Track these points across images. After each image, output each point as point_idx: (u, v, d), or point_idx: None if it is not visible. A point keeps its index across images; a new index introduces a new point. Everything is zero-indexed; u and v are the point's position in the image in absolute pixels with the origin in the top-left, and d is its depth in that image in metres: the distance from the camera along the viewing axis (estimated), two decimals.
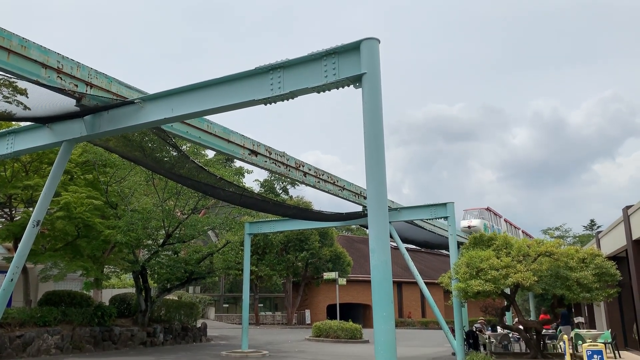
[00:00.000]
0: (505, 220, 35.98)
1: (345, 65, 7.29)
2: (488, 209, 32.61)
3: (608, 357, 12.09)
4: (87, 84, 8.58)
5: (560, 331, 21.77)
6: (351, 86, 7.39)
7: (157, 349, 22.15)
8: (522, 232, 38.52)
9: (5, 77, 8.05)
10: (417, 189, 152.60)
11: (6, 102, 8.68)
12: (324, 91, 7.60)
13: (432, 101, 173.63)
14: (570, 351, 13.89)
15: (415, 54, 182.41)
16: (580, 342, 17.35)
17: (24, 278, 21.42)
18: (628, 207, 17.03)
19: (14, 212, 20.58)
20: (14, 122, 15.07)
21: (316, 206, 49.87)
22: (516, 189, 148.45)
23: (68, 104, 8.80)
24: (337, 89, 7.53)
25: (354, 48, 7.27)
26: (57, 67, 8.06)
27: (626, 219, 17.14)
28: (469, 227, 30.16)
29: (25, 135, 10.46)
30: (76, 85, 8.38)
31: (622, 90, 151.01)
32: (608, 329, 20.39)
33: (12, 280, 9.78)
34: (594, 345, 10.98)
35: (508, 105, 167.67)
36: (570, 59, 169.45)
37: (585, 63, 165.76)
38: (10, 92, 8.53)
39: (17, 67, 7.56)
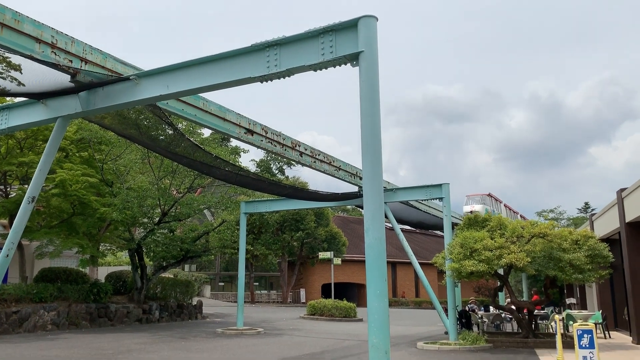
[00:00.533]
0: (505, 206, 36.53)
1: (343, 43, 7.21)
2: (490, 195, 33.08)
3: (598, 337, 12.25)
4: (82, 59, 8.49)
5: (552, 311, 22.07)
6: (348, 65, 7.33)
7: (152, 326, 22.33)
8: (521, 216, 39.07)
9: None
10: (414, 170, 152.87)
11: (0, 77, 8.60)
12: (320, 69, 7.53)
13: (430, 82, 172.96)
14: (562, 331, 14.07)
15: (414, 34, 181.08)
16: (571, 322, 17.57)
17: (20, 255, 21.50)
18: (622, 190, 17.11)
19: (9, 188, 20.56)
20: (8, 98, 14.96)
21: (312, 187, 49.96)
22: (512, 171, 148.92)
23: (63, 79, 8.72)
24: (334, 67, 7.45)
25: (351, 26, 7.17)
26: (51, 42, 7.96)
27: (620, 201, 17.24)
28: (471, 212, 30.58)
29: (19, 111, 10.37)
30: (71, 61, 8.29)
31: (620, 73, 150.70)
32: (599, 310, 20.67)
33: (7, 256, 9.79)
34: (584, 325, 11.12)
35: (505, 86, 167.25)
36: (568, 40, 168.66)
37: (583, 45, 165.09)
38: (4, 68, 8.44)
39: (11, 42, 7.46)
